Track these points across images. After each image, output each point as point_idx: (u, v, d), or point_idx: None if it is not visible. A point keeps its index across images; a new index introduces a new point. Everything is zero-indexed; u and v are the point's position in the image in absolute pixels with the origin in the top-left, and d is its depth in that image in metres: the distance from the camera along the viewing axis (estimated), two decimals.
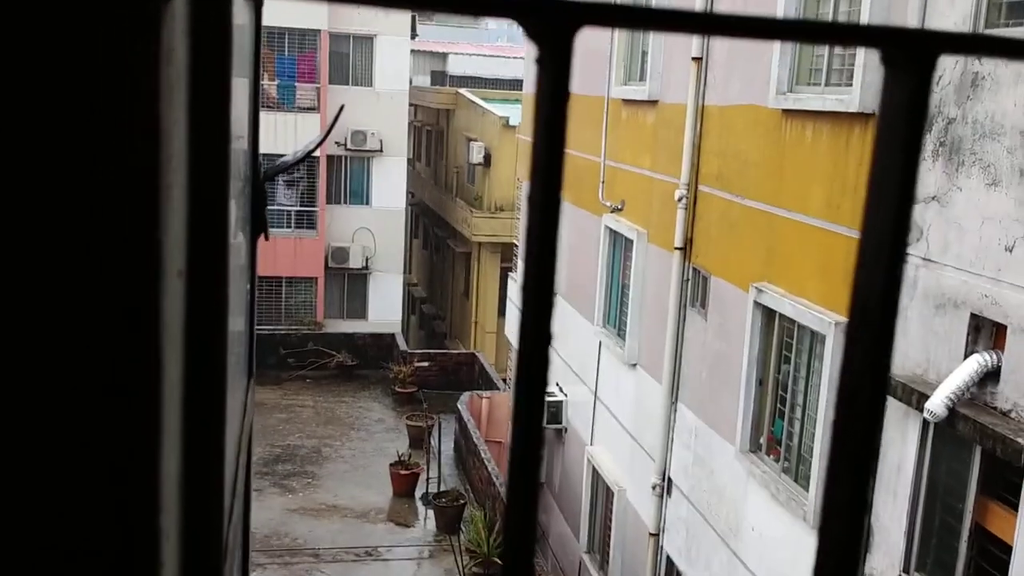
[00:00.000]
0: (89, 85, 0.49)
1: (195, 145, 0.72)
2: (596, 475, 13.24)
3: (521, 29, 0.38)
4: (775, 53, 8.64)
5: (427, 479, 17.42)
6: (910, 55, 0.43)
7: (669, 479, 10.98)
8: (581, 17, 0.38)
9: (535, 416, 0.42)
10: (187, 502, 0.78)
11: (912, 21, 6.83)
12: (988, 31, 6.29)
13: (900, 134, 0.43)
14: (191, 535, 0.78)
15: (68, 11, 0.47)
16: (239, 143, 1.52)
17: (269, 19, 24.30)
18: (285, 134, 24.76)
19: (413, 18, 27.22)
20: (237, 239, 1.49)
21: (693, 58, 10.24)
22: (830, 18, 8.14)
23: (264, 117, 26.92)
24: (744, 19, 0.41)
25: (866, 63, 7.34)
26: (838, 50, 8.09)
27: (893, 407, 6.97)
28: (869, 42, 0.44)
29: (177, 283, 0.65)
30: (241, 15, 1.47)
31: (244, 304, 1.70)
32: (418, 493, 17.69)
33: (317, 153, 25.17)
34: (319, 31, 25.41)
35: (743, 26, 0.42)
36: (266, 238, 1.84)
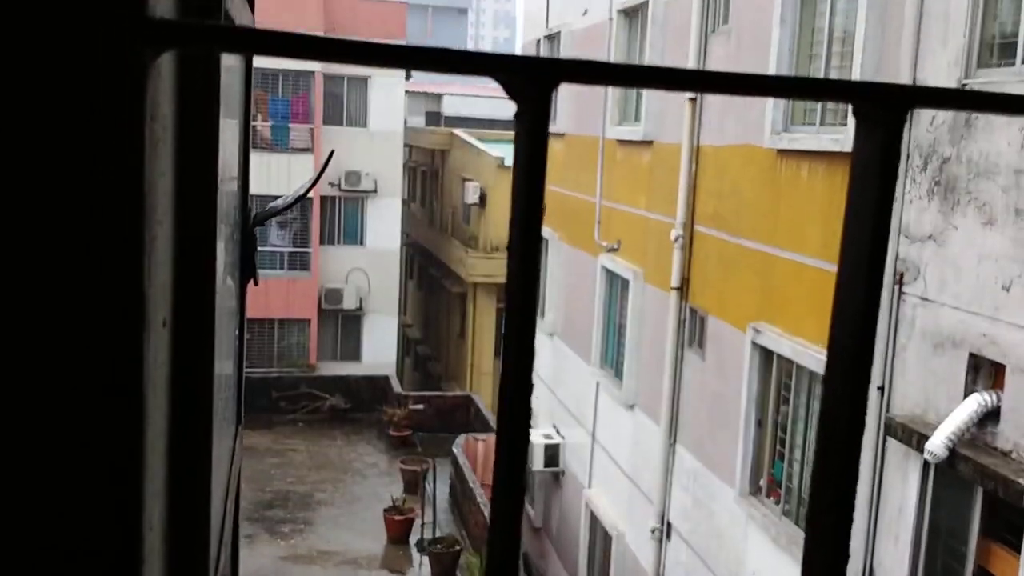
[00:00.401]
0: (75, 139, 0.50)
1: (182, 195, 0.72)
2: (594, 519, 13.08)
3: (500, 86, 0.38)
4: None
5: (422, 525, 17.20)
6: (880, 109, 0.44)
7: (668, 523, 10.84)
8: (557, 74, 0.38)
9: (518, 464, 0.42)
10: (172, 550, 0.77)
11: (905, 62, 6.87)
12: (980, 71, 6.32)
13: (872, 185, 0.44)
14: None
15: (56, 67, 0.49)
16: (229, 188, 1.48)
17: (263, 61, 24.52)
18: (279, 175, 24.82)
19: None
20: (226, 284, 1.45)
21: (688, 99, 10.30)
22: (823, 59, 8.19)
23: (258, 158, 27.16)
24: (717, 75, 0.42)
25: None
26: None
27: (893, 448, 6.90)
28: (840, 97, 0.45)
29: (163, 332, 0.64)
30: (231, 58, 1.44)
31: (232, 350, 1.65)
32: (413, 539, 17.46)
33: (311, 194, 25.21)
34: (313, 72, 25.60)
35: (717, 82, 0.43)
36: (255, 283, 1.79)
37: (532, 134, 0.37)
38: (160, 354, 0.65)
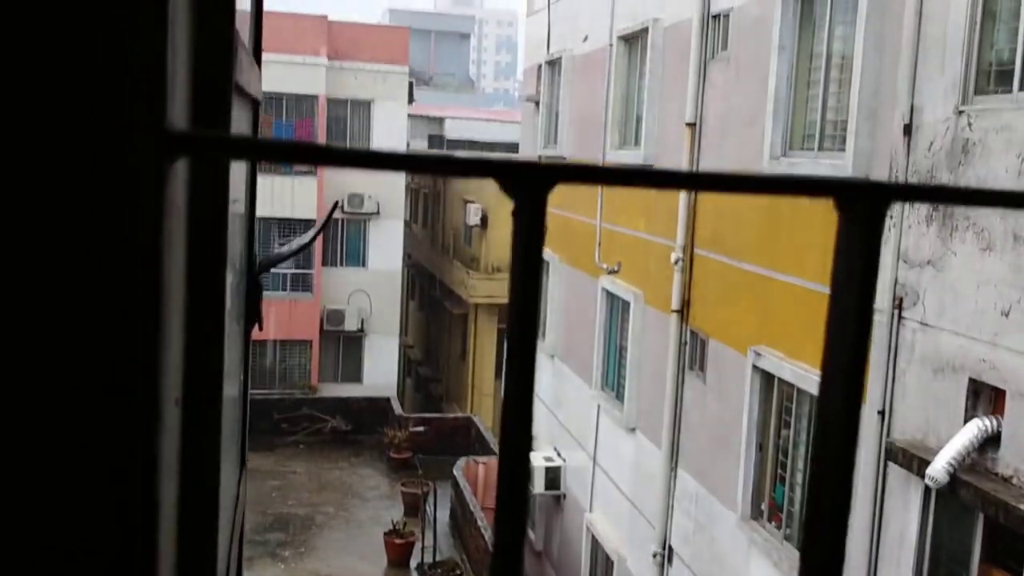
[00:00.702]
0: (93, 240, 0.53)
1: (193, 277, 0.75)
2: (595, 543, 13.04)
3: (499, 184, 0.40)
4: (768, 118, 8.74)
5: (422, 548, 17.13)
6: (862, 204, 0.46)
7: (670, 547, 10.81)
8: (553, 177, 0.40)
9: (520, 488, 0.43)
10: None
11: (902, 88, 6.92)
12: (978, 97, 6.37)
13: (855, 276, 0.46)
14: None
15: (81, 176, 0.52)
16: (236, 236, 1.51)
17: (267, 85, 24.63)
18: (282, 197, 24.91)
19: (410, 83, 27.62)
20: (231, 332, 1.48)
21: (687, 123, 10.36)
22: (822, 85, 8.25)
23: (261, 180, 27.15)
24: (707, 175, 0.45)
25: (858, 129, 7.42)
26: (830, 115, 8.18)
27: (894, 473, 6.89)
28: (822, 192, 0.48)
29: (175, 411, 0.67)
30: (238, 122, 1.47)
31: (237, 397, 1.68)
32: (413, 563, 17.38)
33: (314, 216, 25.28)
34: (317, 96, 25.74)
35: (707, 182, 0.46)
36: (260, 328, 1.82)
37: (529, 231, 0.40)
38: (172, 433, 0.67)
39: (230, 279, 1.41)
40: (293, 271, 26.23)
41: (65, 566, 0.56)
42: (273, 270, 25.86)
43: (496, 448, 20.88)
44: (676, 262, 10.53)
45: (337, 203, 3.70)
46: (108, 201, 0.52)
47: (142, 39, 0.53)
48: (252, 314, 1.76)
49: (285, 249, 2.65)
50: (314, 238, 2.61)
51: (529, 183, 0.39)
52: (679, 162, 10.53)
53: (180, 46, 0.67)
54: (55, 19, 0.52)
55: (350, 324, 26.47)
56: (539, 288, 0.42)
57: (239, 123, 1.45)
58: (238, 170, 1.51)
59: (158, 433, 0.56)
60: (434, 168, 0.40)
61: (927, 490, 6.51)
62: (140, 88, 0.53)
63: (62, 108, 0.51)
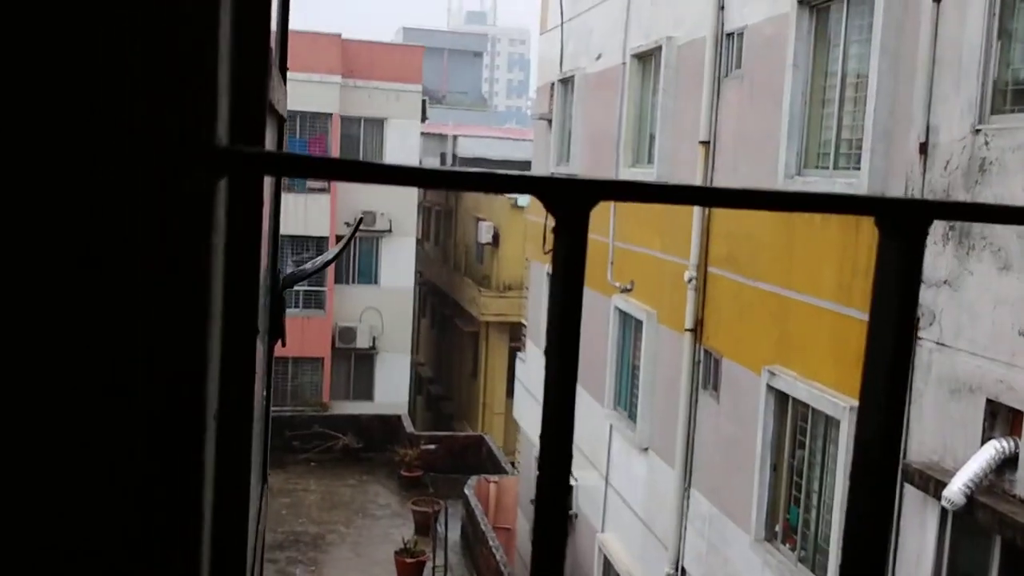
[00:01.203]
0: (145, 256, 0.54)
1: (230, 290, 0.75)
2: (608, 564, 12.95)
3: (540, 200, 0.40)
4: (783, 136, 8.73)
5: (433, 567, 17.05)
6: (903, 222, 0.46)
7: (683, 568, 10.72)
8: (596, 194, 0.40)
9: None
10: None
11: (918, 107, 6.90)
12: (994, 116, 6.34)
13: (895, 295, 0.46)
14: None
15: (136, 192, 0.54)
16: (263, 257, 1.51)
17: None
18: (296, 215, 25.01)
19: (423, 102, 27.75)
20: (259, 348, 1.47)
21: (701, 142, 10.35)
22: (837, 103, 8.23)
23: None
24: (742, 192, 0.46)
25: (873, 147, 7.39)
26: (845, 134, 8.16)
27: (911, 495, 6.82)
28: (862, 210, 0.48)
29: (212, 425, 0.67)
30: (268, 135, 1.47)
31: (261, 413, 1.67)
32: None
33: (327, 234, 25.36)
34: (331, 114, 25.89)
35: (740, 199, 0.46)
36: (283, 344, 1.81)
37: (571, 248, 0.40)
38: (210, 446, 0.68)
39: (260, 296, 1.42)
40: (306, 288, 26.30)
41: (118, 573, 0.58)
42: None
43: (507, 467, 20.80)
44: (690, 281, 10.50)
45: (362, 218, 3.71)
46: (162, 216, 0.53)
47: (195, 57, 0.55)
48: (276, 330, 1.76)
49: (309, 266, 2.65)
50: (339, 254, 2.61)
51: (572, 199, 0.39)
52: (692, 180, 10.51)
53: (224, 64, 0.69)
54: (111, 37, 0.53)
55: (362, 342, 26.50)
56: (580, 306, 0.41)
57: (268, 140, 1.45)
58: (264, 188, 1.51)
59: (203, 446, 0.57)
60: (475, 185, 0.40)
61: (944, 512, 6.44)
62: (194, 106, 0.55)
63: (118, 125, 0.53)
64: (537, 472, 0.42)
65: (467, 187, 0.40)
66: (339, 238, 26.29)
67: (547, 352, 0.41)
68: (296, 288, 26.14)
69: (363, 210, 26.28)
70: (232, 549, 0.86)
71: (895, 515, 6.99)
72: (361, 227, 26.36)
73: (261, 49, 0.93)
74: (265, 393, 1.79)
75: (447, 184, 0.40)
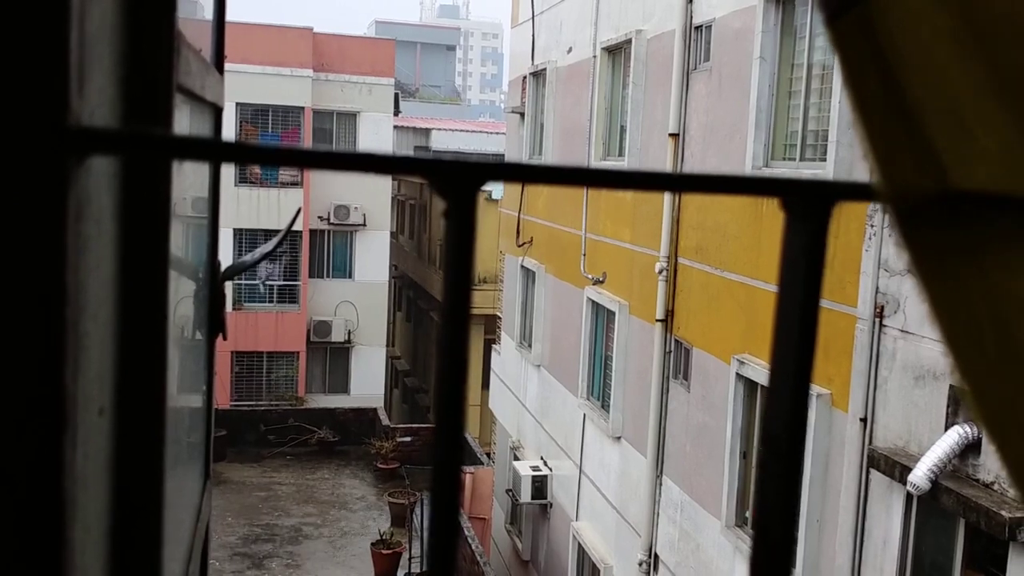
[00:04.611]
0: None
1: (126, 281, 0.73)
2: (582, 551, 13.04)
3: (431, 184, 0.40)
4: (750, 127, 8.81)
5: (410, 558, 17.08)
6: (808, 204, 0.46)
7: (656, 555, 10.82)
8: (480, 175, 0.40)
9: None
10: None
11: None
12: None
13: (801, 275, 0.46)
14: None
15: None
16: (196, 243, 1.52)
17: (253, 96, 24.69)
18: (268, 209, 24.87)
19: (396, 95, 27.65)
20: (193, 342, 1.48)
21: (670, 134, 10.43)
22: (803, 95, 8.33)
23: (247, 192, 26.92)
24: (645, 174, 0.45)
25: (839, 138, 7.50)
26: (812, 125, 8.26)
27: (877, 480, 6.94)
28: (770, 192, 0.47)
29: (99, 421, 0.65)
30: (198, 128, 1.48)
31: (200, 406, 1.68)
32: (400, 573, 17.32)
33: (300, 228, 25.27)
34: (303, 108, 25.74)
35: (644, 181, 0.46)
36: (224, 338, 1.83)
37: (460, 231, 0.41)
38: (96, 443, 0.65)
39: (192, 287, 1.42)
40: (280, 283, 26.17)
41: None
42: (259, 282, 25.81)
43: (482, 458, 20.85)
44: (660, 272, 10.58)
45: (299, 210, 3.72)
46: (2, 194, 0.49)
47: (37, 28, 0.50)
48: (216, 323, 1.77)
49: (248, 257, 2.66)
50: (277, 245, 2.63)
51: (458, 181, 0.40)
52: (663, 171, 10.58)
53: (98, 41, 0.63)
54: None
55: (337, 335, 26.42)
56: (470, 289, 0.42)
57: (197, 128, 1.45)
58: (198, 177, 1.52)
59: (63, 435, 0.53)
60: (361, 166, 0.41)
61: (909, 497, 6.55)
62: (35, 77, 0.49)
63: None
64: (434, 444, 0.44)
65: (353, 168, 0.40)
66: (312, 232, 26.18)
67: (440, 333, 0.43)
68: (270, 283, 26.02)
69: (336, 204, 26.18)
70: (141, 549, 0.83)
71: (861, 500, 7.11)
72: (335, 221, 26.26)
73: (162, 30, 0.87)
74: (207, 387, 1.79)
75: (331, 165, 0.40)
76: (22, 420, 0.52)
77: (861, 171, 7.27)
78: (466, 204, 0.41)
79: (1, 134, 0.48)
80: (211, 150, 0.42)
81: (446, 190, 0.40)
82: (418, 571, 16.77)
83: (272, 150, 0.41)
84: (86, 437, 0.61)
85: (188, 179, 1.32)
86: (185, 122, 1.23)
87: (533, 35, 15.67)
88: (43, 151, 0.49)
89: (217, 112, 1.77)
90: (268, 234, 24.28)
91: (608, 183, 0.47)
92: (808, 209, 0.46)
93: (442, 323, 0.43)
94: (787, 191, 0.47)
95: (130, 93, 0.77)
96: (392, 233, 29.19)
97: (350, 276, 27.05)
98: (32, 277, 0.50)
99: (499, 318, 18.45)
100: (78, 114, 0.53)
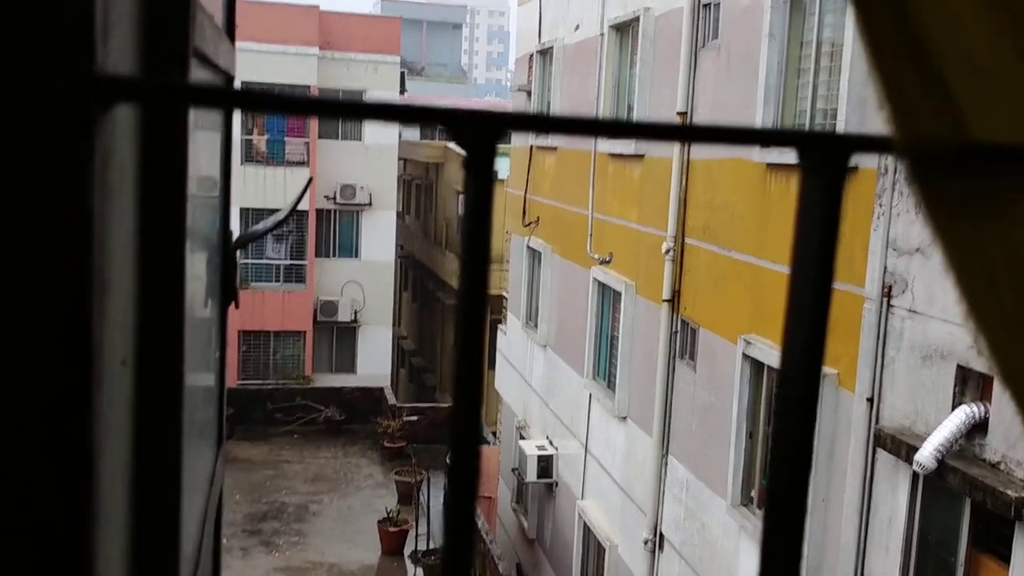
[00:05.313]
0: (20, 194, 0.51)
1: (146, 236, 0.73)
2: (587, 530, 13.09)
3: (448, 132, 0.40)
4: (759, 105, 8.76)
5: (416, 536, 17.19)
6: (824, 157, 0.45)
7: (661, 534, 10.86)
8: (500, 125, 0.40)
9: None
10: None
11: None
12: None
13: (817, 229, 0.46)
14: None
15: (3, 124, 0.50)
16: (208, 210, 1.52)
17: (259, 75, 24.61)
18: (275, 188, 24.86)
19: (402, 73, 27.55)
20: (206, 307, 1.48)
21: (678, 113, 10.37)
22: (812, 73, 8.27)
23: (254, 171, 26.89)
24: (659, 126, 0.45)
25: (848, 116, 7.44)
26: (820, 103, 8.20)
27: (883, 459, 6.94)
28: (785, 143, 0.47)
29: (121, 371, 0.65)
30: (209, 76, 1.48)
31: (213, 372, 1.69)
32: (407, 550, 17.44)
33: (306, 208, 25.26)
34: (309, 87, 25.66)
35: (658, 132, 0.45)
36: (236, 306, 1.83)
37: (479, 180, 0.41)
38: (118, 393, 0.66)
39: (204, 253, 1.42)
40: (287, 263, 26.20)
41: None
42: (266, 261, 25.84)
43: (488, 437, 20.92)
44: (667, 252, 10.55)
45: (311, 179, 3.72)
46: (29, 145, 0.50)
47: None
48: (228, 291, 1.78)
49: (260, 226, 2.67)
50: (290, 214, 2.63)
51: (479, 131, 0.40)
52: (670, 150, 10.54)
53: (120, 2, 0.64)
54: None
55: (343, 315, 26.46)
56: (489, 243, 0.43)
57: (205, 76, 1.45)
58: (211, 148, 1.52)
59: (90, 381, 0.54)
60: (379, 115, 0.40)
61: (915, 476, 6.56)
62: (65, 29, 0.51)
63: None
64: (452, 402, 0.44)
65: (371, 117, 0.40)
66: (319, 211, 26.18)
67: (458, 292, 0.43)
68: (277, 262, 26.05)
69: (342, 183, 26.15)
70: (162, 500, 0.84)
71: (867, 479, 7.12)
72: (341, 200, 26.24)
73: None
74: (219, 354, 1.80)
75: (346, 114, 0.39)
76: (52, 360, 0.53)
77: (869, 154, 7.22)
78: (486, 154, 0.40)
79: (33, 81, 0.49)
80: (228, 98, 0.42)
81: (467, 140, 0.40)
82: (425, 548, 16.87)
83: (287, 99, 0.42)
84: (110, 385, 0.62)
85: (200, 156, 1.31)
86: (202, 76, 1.23)
87: (540, 12, 15.57)
88: (72, 98, 0.50)
89: (228, 80, 1.77)
90: (274, 213, 24.30)
91: (624, 133, 0.48)
92: (824, 162, 0.46)
93: (462, 271, 0.43)
94: (802, 143, 0.46)
95: (149, 53, 0.79)
96: (398, 214, 29.17)
97: (356, 256, 27.06)
98: (62, 220, 0.51)
99: (505, 298, 18.45)
100: (103, 65, 0.55)
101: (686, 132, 0.46)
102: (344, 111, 0.41)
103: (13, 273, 0.51)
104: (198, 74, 1.16)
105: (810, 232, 0.46)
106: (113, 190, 0.61)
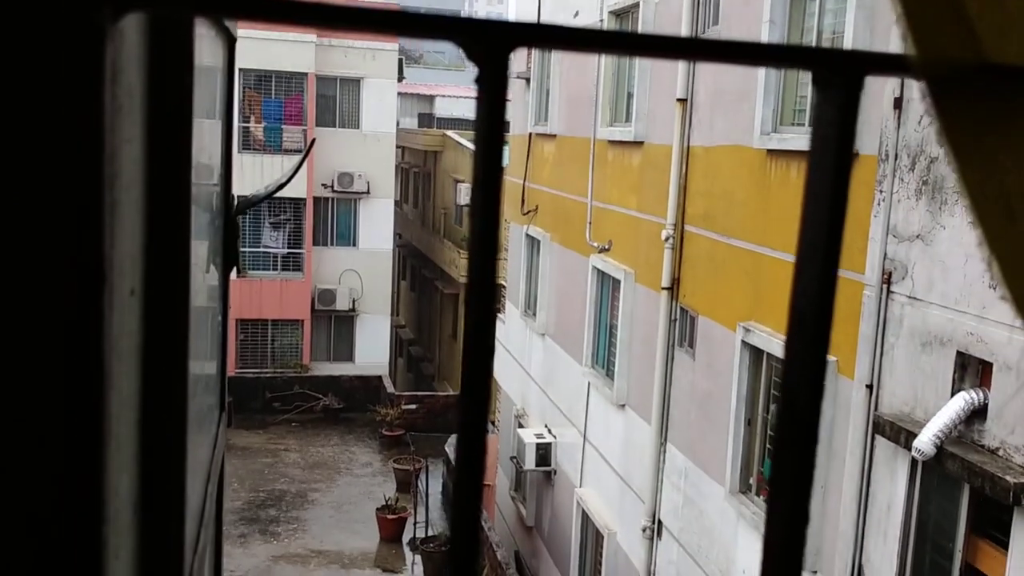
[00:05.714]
0: (28, 103, 0.50)
1: (153, 164, 0.72)
2: (586, 518, 13.12)
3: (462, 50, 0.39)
4: (759, 94, 8.73)
5: (415, 524, 17.22)
6: (838, 75, 0.44)
7: (659, 521, 10.88)
8: (514, 38, 0.39)
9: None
10: (144, 521, 0.76)
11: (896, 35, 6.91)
12: None
13: (831, 152, 0.45)
14: (148, 554, 0.76)
15: (9, 31, 0.49)
16: (212, 178, 1.51)
17: (256, 62, 24.53)
18: (272, 176, 24.76)
19: (400, 61, 27.45)
20: (209, 272, 1.47)
21: (678, 99, 10.34)
22: (815, 30, 8.23)
23: (251, 159, 26.87)
24: (673, 40, 0.43)
25: None
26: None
27: (882, 446, 6.95)
28: (798, 63, 0.46)
29: (130, 301, 0.65)
30: (212, 56, 1.46)
31: (216, 336, 1.68)
32: (406, 538, 17.47)
33: (304, 195, 25.20)
34: (306, 74, 25.58)
35: (670, 46, 0.43)
36: (239, 273, 1.82)
37: (491, 95, 0.40)
38: (127, 322, 0.65)
39: (206, 217, 1.41)
40: (284, 251, 26.16)
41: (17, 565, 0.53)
42: (264, 250, 25.79)
43: (487, 426, 20.98)
44: (666, 239, 10.54)
45: (313, 140, 3.72)
46: (37, 61, 0.49)
47: None
48: (230, 255, 1.77)
49: (262, 190, 2.65)
50: (290, 178, 2.62)
51: (491, 43, 0.38)
52: (671, 139, 10.52)
53: None
54: None
55: (341, 303, 26.44)
56: (501, 157, 0.41)
57: (213, 55, 1.44)
58: (211, 127, 1.50)
59: (101, 303, 0.53)
60: (388, 26, 0.39)
61: (914, 462, 6.56)
62: None
63: None
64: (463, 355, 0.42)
65: (375, 29, 0.38)
66: (316, 199, 26.13)
67: (471, 209, 0.41)
68: (274, 251, 26.01)
69: (340, 171, 26.09)
70: (169, 421, 0.84)
71: (866, 466, 7.12)
72: (339, 188, 26.18)
73: None
74: (221, 319, 1.79)
75: (351, 25, 0.38)
76: (64, 275, 0.52)
77: (871, 135, 7.21)
78: (498, 67, 0.39)
79: None
80: (236, 5, 0.40)
81: (478, 52, 0.39)
82: (423, 536, 16.90)
83: (292, 4, 0.40)
84: (120, 311, 0.62)
85: (208, 129, 1.30)
86: (205, 46, 1.21)
87: None
88: (81, 4, 0.49)
89: (231, 42, 1.76)
90: (272, 202, 24.23)
91: (633, 50, 0.45)
92: (838, 80, 0.45)
93: (473, 195, 0.41)
94: (816, 61, 0.45)
95: None
96: (396, 202, 29.11)
97: (354, 244, 27.02)
98: (73, 129, 0.51)
99: (503, 286, 18.44)
100: None
101: (699, 47, 0.45)
102: (349, 20, 0.39)
103: (26, 183, 0.50)
104: (201, 33, 1.15)
105: (824, 154, 0.45)
106: (122, 110, 0.60)
